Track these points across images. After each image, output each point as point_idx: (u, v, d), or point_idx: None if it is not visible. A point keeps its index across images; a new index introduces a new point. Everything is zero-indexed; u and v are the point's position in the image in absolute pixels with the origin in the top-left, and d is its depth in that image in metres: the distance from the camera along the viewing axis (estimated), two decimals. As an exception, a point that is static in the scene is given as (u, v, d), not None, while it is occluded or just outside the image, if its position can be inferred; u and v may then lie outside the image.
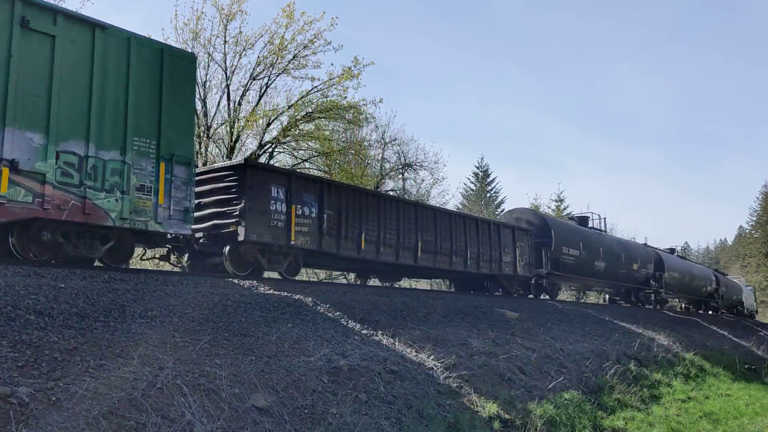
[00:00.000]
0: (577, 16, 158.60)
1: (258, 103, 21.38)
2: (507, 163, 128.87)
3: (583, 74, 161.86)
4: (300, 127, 21.56)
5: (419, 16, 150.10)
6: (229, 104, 21.05)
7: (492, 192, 49.40)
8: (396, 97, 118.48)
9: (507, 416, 8.05)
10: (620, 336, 15.37)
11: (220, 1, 20.22)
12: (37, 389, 4.60)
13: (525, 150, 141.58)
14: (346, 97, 21.45)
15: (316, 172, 22.22)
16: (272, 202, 11.25)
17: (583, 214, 26.88)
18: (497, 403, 8.14)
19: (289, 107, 21.26)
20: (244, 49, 20.72)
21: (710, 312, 35.27)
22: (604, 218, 27.51)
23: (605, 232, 27.22)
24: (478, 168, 50.70)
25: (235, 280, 9.96)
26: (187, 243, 10.50)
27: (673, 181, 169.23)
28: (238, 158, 19.49)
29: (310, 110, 21.32)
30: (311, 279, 21.45)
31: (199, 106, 20.83)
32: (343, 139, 23.55)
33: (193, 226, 10.79)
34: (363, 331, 8.86)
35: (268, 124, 21.51)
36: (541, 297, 20.47)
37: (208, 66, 20.77)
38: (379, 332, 9.01)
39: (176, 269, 12.13)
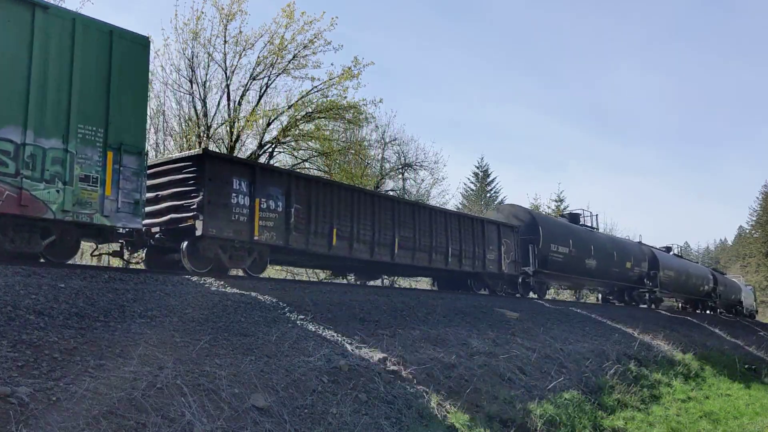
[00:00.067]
0: (577, 16, 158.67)
1: (258, 103, 21.38)
2: (507, 163, 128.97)
3: (584, 74, 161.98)
4: (300, 127, 21.55)
5: (419, 16, 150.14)
6: (229, 104, 21.05)
7: (492, 192, 49.41)
8: (396, 97, 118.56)
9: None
10: (620, 336, 15.37)
11: (220, 1, 20.21)
12: (37, 389, 4.60)
13: (525, 150, 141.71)
14: (346, 97, 21.44)
15: (316, 172, 22.22)
16: (234, 194, 10.68)
17: (574, 211, 26.40)
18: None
19: (289, 107, 21.25)
20: (244, 49, 20.71)
21: (708, 311, 35.11)
22: (596, 215, 26.80)
23: (597, 229, 26.58)
24: (478, 168, 50.76)
25: (235, 281, 9.95)
26: (139, 238, 9.87)
27: (673, 181, 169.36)
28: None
29: (310, 110, 21.31)
30: (311, 279, 21.45)
31: (199, 106, 20.86)
32: (343, 139, 23.54)
33: (150, 221, 10.40)
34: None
35: (268, 124, 21.50)
36: (529, 296, 19.81)
37: (208, 66, 20.77)
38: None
39: (134, 266, 11.44)
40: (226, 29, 20.40)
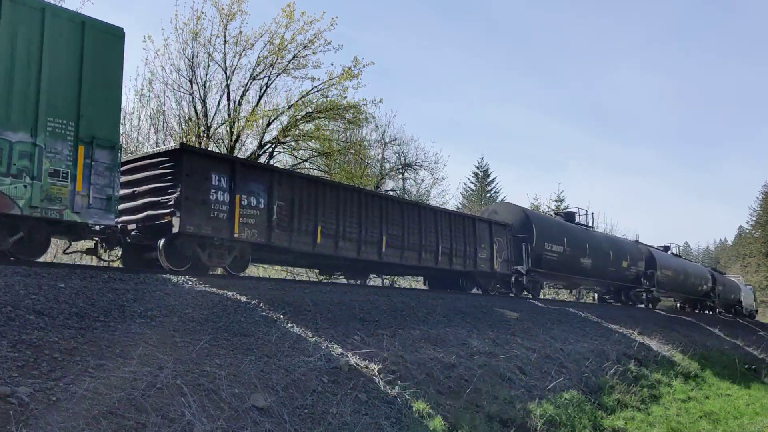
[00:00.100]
0: (577, 16, 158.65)
1: (258, 103, 21.38)
2: (507, 163, 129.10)
3: (584, 74, 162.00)
4: (300, 127, 21.55)
5: (419, 16, 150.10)
6: (229, 104, 21.05)
7: (492, 192, 49.43)
8: (396, 97, 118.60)
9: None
10: (620, 336, 15.37)
11: (220, 1, 20.21)
12: (37, 389, 4.60)
13: (525, 150, 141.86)
14: (346, 97, 21.45)
15: (315, 172, 22.22)
16: (212, 191, 10.34)
17: (569, 210, 26.04)
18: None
19: (289, 107, 21.26)
20: (244, 49, 20.71)
21: (706, 311, 34.96)
22: (592, 213, 26.29)
23: (593, 228, 26.16)
24: (478, 168, 50.80)
25: (236, 281, 9.95)
26: (111, 235, 9.42)
27: (673, 181, 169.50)
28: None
29: (310, 110, 21.31)
30: (311, 279, 21.45)
31: (199, 106, 20.86)
32: (343, 139, 23.55)
33: (127, 218, 10.16)
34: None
35: (268, 124, 21.51)
36: (522, 295, 19.38)
37: (208, 66, 20.78)
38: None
39: (109, 265, 11.04)
40: (226, 29, 20.41)
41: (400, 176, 30.49)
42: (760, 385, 16.01)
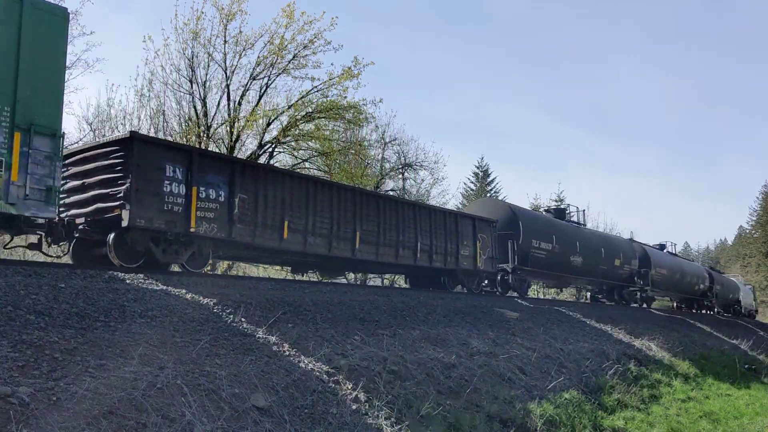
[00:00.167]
0: (577, 16, 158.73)
1: (258, 103, 21.40)
2: (507, 163, 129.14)
3: (584, 74, 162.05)
4: (300, 127, 21.58)
5: (419, 16, 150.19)
6: (229, 104, 21.07)
7: (492, 192, 49.41)
8: (396, 97, 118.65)
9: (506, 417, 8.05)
10: (620, 336, 15.37)
11: (220, 1, 20.24)
12: (38, 389, 4.60)
13: (525, 150, 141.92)
14: (346, 97, 21.49)
15: (316, 172, 22.23)
16: (166, 182, 9.80)
17: (559, 206, 25.49)
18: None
19: (289, 107, 21.28)
20: (244, 49, 20.74)
21: (704, 311, 34.64)
22: (583, 210, 25.51)
23: (584, 225, 25.49)
24: (478, 168, 50.81)
25: (235, 280, 9.94)
26: (51, 229, 8.88)
27: (673, 181, 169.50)
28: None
29: (310, 110, 21.34)
30: (311, 279, 21.44)
31: (199, 106, 20.87)
32: (343, 139, 23.56)
33: (76, 211, 9.83)
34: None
35: (268, 124, 21.53)
36: (508, 294, 18.80)
37: (208, 66, 20.80)
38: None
39: (56, 260, 10.70)
40: (226, 29, 20.44)
41: (400, 176, 30.53)
42: (760, 385, 16.02)
